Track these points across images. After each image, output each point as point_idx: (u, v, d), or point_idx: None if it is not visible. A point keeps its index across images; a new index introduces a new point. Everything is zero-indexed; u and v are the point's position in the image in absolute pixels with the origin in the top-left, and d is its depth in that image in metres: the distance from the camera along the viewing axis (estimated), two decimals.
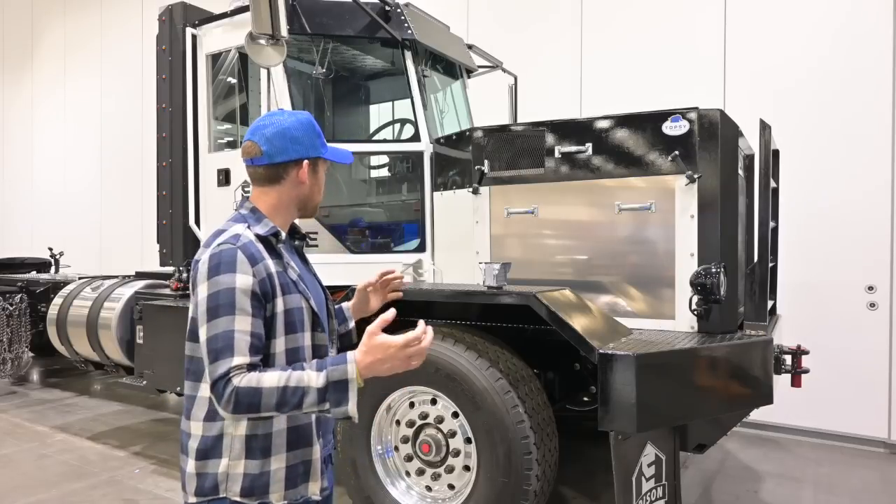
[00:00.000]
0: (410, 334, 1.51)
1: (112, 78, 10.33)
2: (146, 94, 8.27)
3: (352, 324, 2.10)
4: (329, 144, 1.79)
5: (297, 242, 1.86)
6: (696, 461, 4.67)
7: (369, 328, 1.50)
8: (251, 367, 1.50)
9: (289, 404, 1.46)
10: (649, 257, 3.22)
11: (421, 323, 1.55)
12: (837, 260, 5.04)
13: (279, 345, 1.60)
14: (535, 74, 6.17)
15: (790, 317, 4.81)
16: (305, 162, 1.70)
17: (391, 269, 2.17)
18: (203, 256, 1.59)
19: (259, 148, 1.68)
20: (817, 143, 5.12)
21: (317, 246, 3.88)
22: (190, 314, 1.63)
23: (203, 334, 1.52)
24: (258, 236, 1.64)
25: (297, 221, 1.84)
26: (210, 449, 1.60)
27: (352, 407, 1.47)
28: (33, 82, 12.06)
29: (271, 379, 1.46)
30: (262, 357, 1.56)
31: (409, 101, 4.16)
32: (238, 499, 1.58)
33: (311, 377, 1.46)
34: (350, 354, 1.49)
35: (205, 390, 1.60)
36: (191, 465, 1.61)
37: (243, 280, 1.54)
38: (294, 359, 1.62)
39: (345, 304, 2.12)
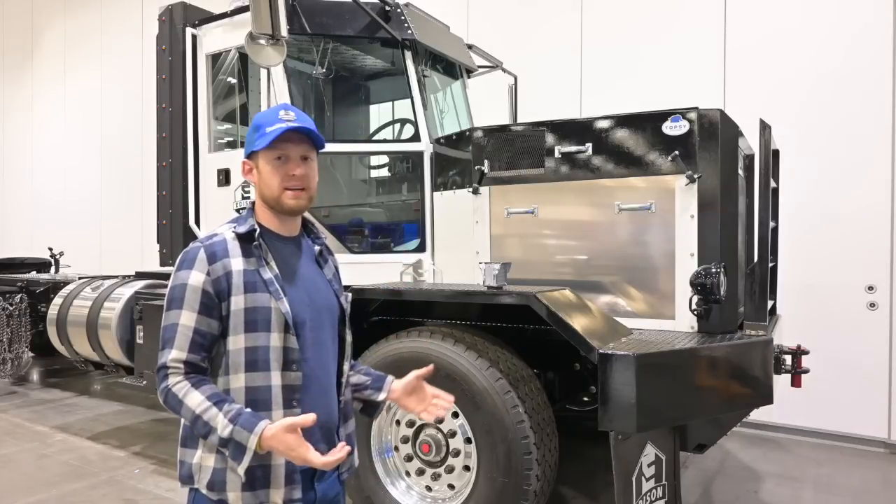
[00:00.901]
0: (316, 459, 1.47)
1: (112, 77, 10.33)
2: (146, 94, 8.26)
3: (382, 396, 1.90)
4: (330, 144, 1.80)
5: (317, 247, 1.85)
6: (696, 461, 4.67)
7: (290, 424, 1.47)
8: (190, 367, 1.57)
9: (196, 430, 1.55)
10: (649, 257, 3.22)
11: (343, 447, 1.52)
12: (837, 260, 5.04)
13: (236, 342, 1.61)
14: (535, 74, 6.17)
15: (790, 317, 4.80)
16: (243, 161, 1.77)
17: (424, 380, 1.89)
18: None
19: None
20: (817, 143, 5.12)
21: None
22: None
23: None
24: (239, 234, 1.67)
25: (317, 224, 1.89)
26: (188, 438, 1.66)
27: (242, 467, 1.52)
28: (33, 81, 12.06)
29: (193, 400, 1.54)
30: (216, 354, 1.62)
31: (409, 101, 4.16)
32: (204, 491, 1.63)
33: (220, 423, 1.51)
34: (261, 426, 1.49)
35: None
36: (179, 452, 1.69)
37: (196, 277, 1.60)
38: (254, 357, 1.62)
39: (390, 378, 1.94)
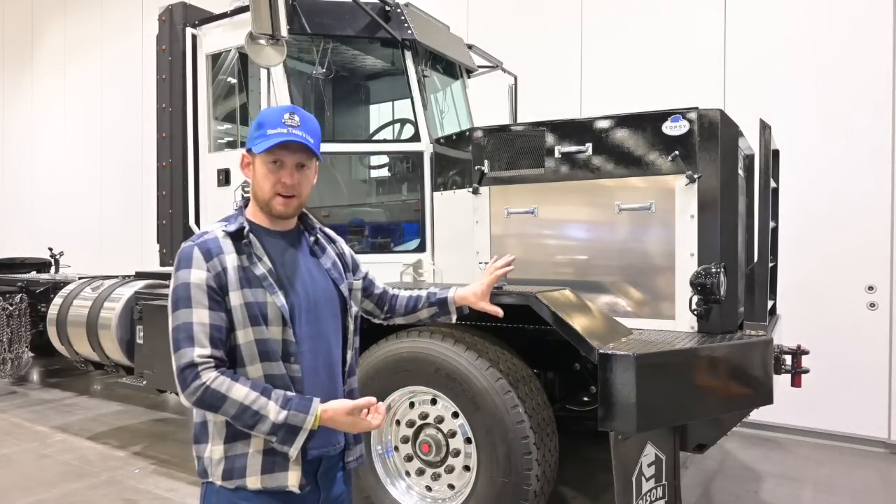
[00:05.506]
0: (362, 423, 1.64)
1: (112, 78, 10.33)
2: (146, 94, 8.26)
3: (454, 318, 2.21)
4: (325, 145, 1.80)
5: (313, 239, 1.86)
6: (696, 461, 4.67)
7: (351, 407, 1.61)
8: (218, 361, 1.57)
9: (242, 421, 1.55)
10: (649, 257, 3.22)
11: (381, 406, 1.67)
12: (837, 260, 5.04)
13: (241, 336, 1.63)
14: (535, 74, 6.17)
15: (790, 317, 4.81)
16: (242, 154, 1.77)
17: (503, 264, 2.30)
18: None
19: None
20: (817, 143, 5.12)
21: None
22: None
23: (169, 327, 1.60)
24: (229, 233, 1.68)
25: (313, 218, 1.90)
26: (199, 434, 1.68)
27: (294, 449, 1.58)
28: (33, 82, 12.06)
29: (239, 392, 1.54)
30: (229, 348, 1.62)
31: (409, 101, 4.16)
32: (219, 482, 1.63)
33: (273, 410, 1.55)
34: (316, 406, 1.58)
35: None
36: (193, 450, 1.71)
37: (197, 275, 1.61)
38: (265, 348, 1.64)
39: (451, 294, 2.17)
